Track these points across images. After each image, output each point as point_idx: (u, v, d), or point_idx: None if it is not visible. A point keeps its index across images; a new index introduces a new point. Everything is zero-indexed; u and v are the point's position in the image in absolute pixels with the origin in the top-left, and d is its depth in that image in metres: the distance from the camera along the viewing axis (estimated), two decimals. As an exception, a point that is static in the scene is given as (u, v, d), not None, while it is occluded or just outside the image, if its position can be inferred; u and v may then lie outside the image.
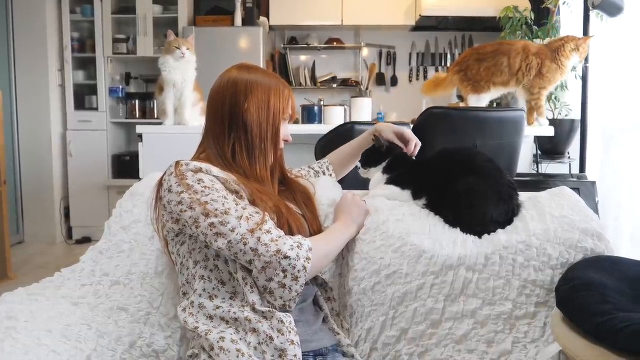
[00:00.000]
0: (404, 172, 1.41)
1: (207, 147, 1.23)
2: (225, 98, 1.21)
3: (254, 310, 1.05)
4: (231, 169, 1.18)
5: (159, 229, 1.22)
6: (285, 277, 1.04)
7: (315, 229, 1.26)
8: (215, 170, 1.13)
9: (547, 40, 3.24)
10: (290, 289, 1.05)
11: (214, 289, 1.10)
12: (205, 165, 1.13)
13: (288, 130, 1.29)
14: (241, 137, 1.20)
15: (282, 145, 1.28)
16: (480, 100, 2.76)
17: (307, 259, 1.06)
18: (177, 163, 1.13)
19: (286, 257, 1.04)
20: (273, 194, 1.21)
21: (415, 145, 1.46)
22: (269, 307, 1.05)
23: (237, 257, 1.05)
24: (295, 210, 1.25)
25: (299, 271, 1.05)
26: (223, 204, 1.07)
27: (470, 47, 5.24)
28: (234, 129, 1.20)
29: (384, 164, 1.43)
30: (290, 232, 1.14)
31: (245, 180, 1.17)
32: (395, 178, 1.40)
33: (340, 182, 1.57)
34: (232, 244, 1.04)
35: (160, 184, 1.17)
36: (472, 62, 2.77)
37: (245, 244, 1.04)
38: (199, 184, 1.09)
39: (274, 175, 1.29)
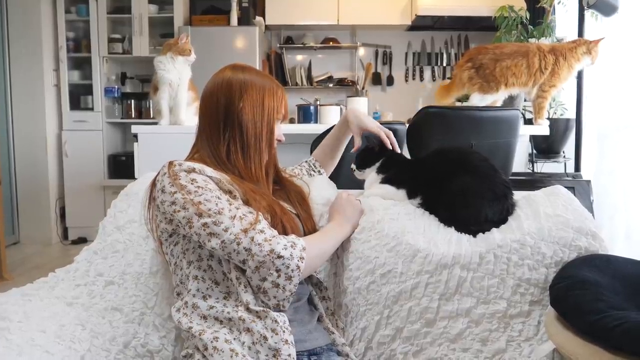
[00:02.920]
0: (399, 171, 1.41)
1: (201, 147, 1.22)
2: (220, 98, 1.21)
3: (247, 309, 1.05)
4: (225, 169, 1.18)
5: (152, 229, 1.21)
6: (279, 276, 1.04)
7: (310, 228, 1.26)
8: (209, 170, 1.13)
9: (542, 39, 3.25)
10: (283, 288, 1.05)
11: (207, 288, 1.09)
12: (198, 165, 1.12)
13: (281, 130, 1.29)
14: (236, 137, 1.20)
15: (276, 144, 1.28)
16: (483, 101, 2.74)
17: (300, 258, 1.06)
18: (170, 163, 1.13)
19: (279, 257, 1.04)
20: (267, 194, 1.21)
21: (386, 135, 1.45)
22: (262, 307, 1.05)
23: (230, 257, 1.05)
24: (290, 209, 1.25)
25: (292, 270, 1.05)
26: (216, 204, 1.06)
27: (466, 46, 5.26)
28: (228, 129, 1.20)
29: (378, 164, 1.43)
30: (284, 232, 1.14)
31: (239, 180, 1.17)
32: (390, 177, 1.40)
33: (335, 181, 1.57)
34: (225, 244, 1.04)
35: (153, 184, 1.17)
36: (488, 60, 2.72)
37: (238, 244, 1.04)
38: (192, 183, 1.08)
39: (268, 174, 1.29)
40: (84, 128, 4.65)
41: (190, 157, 1.23)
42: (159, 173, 1.15)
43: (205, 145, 1.22)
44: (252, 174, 1.21)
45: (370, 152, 1.45)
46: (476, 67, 2.74)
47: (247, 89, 1.21)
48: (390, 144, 1.46)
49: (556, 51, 2.69)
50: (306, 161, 1.58)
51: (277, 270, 1.04)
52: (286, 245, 1.06)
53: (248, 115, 1.20)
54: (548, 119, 2.92)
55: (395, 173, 1.41)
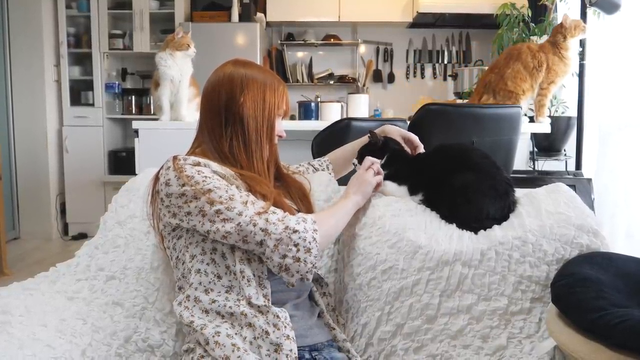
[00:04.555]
0: (401, 167, 1.41)
1: (203, 141, 1.23)
2: (221, 92, 1.21)
3: (249, 304, 1.05)
4: (227, 163, 1.18)
5: (155, 224, 1.21)
6: (298, 250, 1.06)
7: None
8: (214, 165, 1.13)
9: (544, 37, 3.25)
10: (305, 261, 1.06)
11: (210, 282, 1.09)
12: (203, 160, 1.13)
13: (282, 126, 1.29)
14: (238, 131, 1.20)
15: (276, 140, 1.28)
16: None
17: (314, 230, 1.09)
18: (175, 157, 1.14)
19: (295, 231, 1.06)
20: (270, 187, 1.21)
21: (417, 148, 1.47)
22: (264, 302, 1.06)
23: (246, 240, 1.06)
24: (291, 205, 1.26)
25: (309, 242, 1.07)
26: (226, 191, 1.08)
27: (468, 44, 5.26)
28: (230, 123, 1.20)
29: (381, 161, 1.43)
30: None
31: (241, 174, 1.17)
32: (392, 174, 1.40)
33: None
34: (241, 226, 1.05)
35: (156, 178, 1.16)
36: (494, 79, 2.71)
37: (254, 225, 1.05)
38: (198, 174, 1.09)
39: (269, 170, 1.29)
40: (84, 124, 4.64)
41: (192, 151, 1.23)
42: (162, 167, 1.15)
43: (207, 139, 1.22)
44: (254, 168, 1.21)
45: (373, 147, 1.44)
46: (490, 92, 2.73)
47: (249, 84, 1.21)
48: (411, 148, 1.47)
49: (544, 48, 2.69)
50: (318, 162, 1.57)
51: (296, 245, 1.06)
52: (298, 220, 1.09)
53: (249, 110, 1.20)
54: (549, 117, 2.92)
55: (397, 169, 1.41)
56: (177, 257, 1.15)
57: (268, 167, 1.27)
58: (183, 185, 1.08)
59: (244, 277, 1.07)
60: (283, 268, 1.07)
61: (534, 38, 3.29)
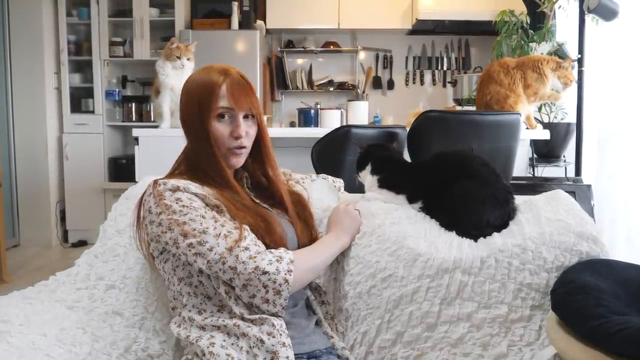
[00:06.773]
0: (397, 174, 1.41)
1: (186, 155, 1.23)
2: (180, 105, 1.22)
3: (242, 319, 1.05)
4: (206, 182, 1.15)
5: (142, 248, 1.21)
6: (267, 292, 1.03)
7: (299, 232, 1.23)
8: (193, 187, 1.11)
9: (543, 44, 3.26)
10: (274, 303, 1.04)
11: (201, 303, 1.10)
12: (183, 183, 1.11)
13: (238, 124, 1.16)
14: (191, 143, 1.20)
15: (229, 145, 1.17)
16: None
17: (288, 271, 1.04)
18: (155, 182, 1.12)
19: (265, 273, 1.03)
20: (251, 205, 1.18)
21: None
22: (258, 315, 1.05)
23: (217, 275, 1.05)
24: (284, 217, 1.23)
25: (280, 285, 1.03)
26: (201, 223, 1.05)
27: (467, 51, 5.27)
28: (189, 138, 1.20)
29: (368, 166, 1.43)
30: (274, 242, 1.12)
31: (221, 191, 1.15)
32: (390, 182, 1.40)
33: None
34: (211, 264, 1.04)
35: (140, 204, 1.16)
36: (488, 104, 2.72)
37: (224, 263, 1.03)
38: (176, 203, 1.07)
39: (246, 179, 1.27)
40: (84, 131, 4.64)
41: (176, 166, 1.23)
42: (145, 192, 1.14)
43: (187, 154, 1.23)
44: (225, 182, 1.16)
45: (360, 154, 1.46)
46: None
47: (188, 90, 1.18)
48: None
49: (521, 66, 2.66)
50: (332, 178, 1.56)
51: (265, 287, 1.03)
52: (271, 260, 1.05)
53: (187, 123, 1.19)
54: (549, 123, 2.92)
55: (396, 177, 1.40)
56: (168, 279, 1.15)
57: (239, 176, 1.25)
58: (160, 213, 1.07)
59: (230, 297, 1.06)
60: (253, 306, 1.05)
61: (533, 45, 3.30)
